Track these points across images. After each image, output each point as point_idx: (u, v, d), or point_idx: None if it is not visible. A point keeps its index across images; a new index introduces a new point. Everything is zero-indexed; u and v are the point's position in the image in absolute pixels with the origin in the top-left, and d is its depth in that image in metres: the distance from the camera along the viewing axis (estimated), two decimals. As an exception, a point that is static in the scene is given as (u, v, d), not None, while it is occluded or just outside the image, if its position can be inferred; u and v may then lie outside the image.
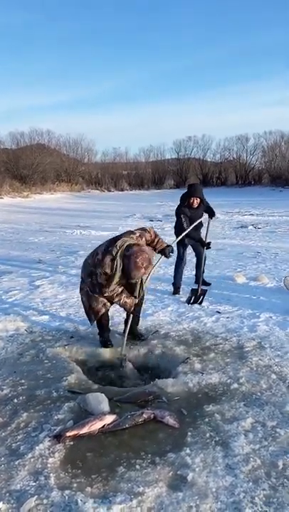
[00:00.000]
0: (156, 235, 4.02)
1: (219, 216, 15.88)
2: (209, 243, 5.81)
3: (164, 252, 4.08)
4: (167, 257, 4.13)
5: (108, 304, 3.90)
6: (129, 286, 3.89)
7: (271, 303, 5.42)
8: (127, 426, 2.67)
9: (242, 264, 7.90)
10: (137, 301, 3.93)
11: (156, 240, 4.00)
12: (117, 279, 3.61)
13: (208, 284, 6.18)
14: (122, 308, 4.00)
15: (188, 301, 5.46)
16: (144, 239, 3.83)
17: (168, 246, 4.12)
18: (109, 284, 3.66)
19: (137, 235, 3.79)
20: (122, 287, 3.78)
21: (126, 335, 3.90)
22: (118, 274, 3.59)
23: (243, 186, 38.78)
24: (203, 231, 6.03)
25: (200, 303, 5.41)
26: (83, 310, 4.12)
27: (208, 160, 44.04)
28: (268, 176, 38.52)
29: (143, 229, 3.99)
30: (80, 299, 4.19)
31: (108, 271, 3.59)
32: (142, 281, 3.92)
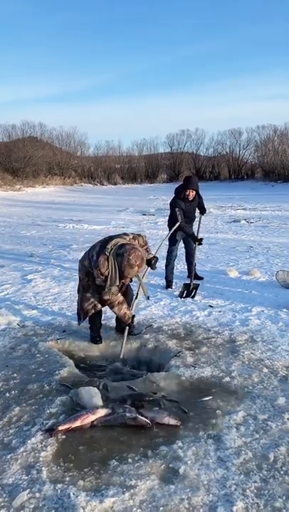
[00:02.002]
0: (146, 243, 4.03)
1: (212, 210, 15.92)
2: (201, 239, 5.82)
3: (150, 262, 4.07)
4: (152, 268, 4.15)
5: (99, 305, 3.92)
6: (125, 295, 3.99)
7: (263, 297, 5.45)
8: (117, 423, 2.65)
9: (234, 258, 7.93)
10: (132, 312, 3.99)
11: (145, 248, 4.00)
12: (113, 278, 3.60)
13: (201, 278, 6.19)
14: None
15: (180, 295, 5.46)
16: (136, 241, 3.83)
17: (154, 257, 4.13)
18: (108, 285, 3.65)
19: (130, 236, 3.80)
20: (123, 297, 3.86)
21: (125, 338, 3.87)
22: (114, 274, 3.58)
23: (235, 181, 38.84)
24: (195, 225, 6.03)
25: (192, 297, 5.42)
26: (76, 303, 4.13)
27: (202, 154, 44.05)
28: (260, 170, 38.59)
29: (137, 234, 4.00)
30: (73, 293, 4.21)
31: (104, 270, 3.58)
32: (141, 282, 3.99)
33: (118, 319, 4.17)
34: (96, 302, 3.88)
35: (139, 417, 2.62)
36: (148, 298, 4.10)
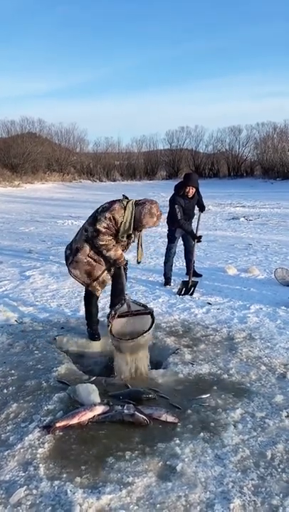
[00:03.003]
0: None
1: (211, 208, 15.91)
2: (200, 237, 5.81)
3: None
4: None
5: (112, 269, 3.83)
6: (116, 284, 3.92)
7: (262, 294, 5.45)
8: (115, 420, 2.65)
9: (233, 255, 7.93)
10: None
11: None
12: (127, 225, 3.55)
13: (200, 276, 6.18)
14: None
15: (179, 293, 5.46)
16: None
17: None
18: (121, 232, 3.58)
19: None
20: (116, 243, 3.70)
21: (125, 278, 3.81)
22: (129, 221, 3.54)
23: (235, 178, 38.77)
24: (194, 222, 6.03)
25: (191, 294, 5.42)
26: (75, 300, 4.10)
27: (201, 151, 43.94)
28: (260, 167, 38.53)
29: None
30: (71, 289, 4.16)
31: (118, 216, 3.52)
32: (141, 242, 3.91)
33: (113, 292, 4.12)
34: (108, 267, 3.79)
35: (137, 413, 2.62)
36: (139, 262, 4.01)
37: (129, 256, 5.71)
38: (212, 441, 2.49)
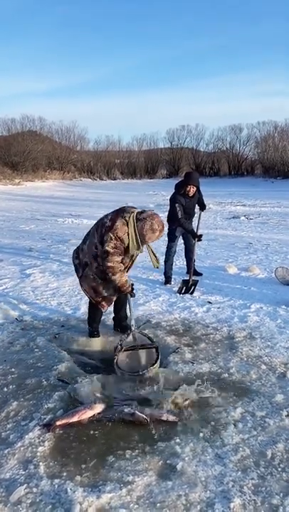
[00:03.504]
0: None
1: (211, 206, 15.90)
2: (201, 235, 5.80)
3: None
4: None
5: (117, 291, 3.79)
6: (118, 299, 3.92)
7: (262, 294, 5.45)
8: (115, 419, 2.64)
9: (233, 254, 7.92)
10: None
11: None
12: (134, 242, 3.50)
13: (200, 274, 6.18)
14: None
15: (179, 292, 5.46)
16: None
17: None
18: (118, 251, 3.52)
19: (140, 210, 3.69)
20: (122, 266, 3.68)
21: (131, 304, 3.77)
22: (134, 237, 3.49)
23: (235, 177, 38.80)
24: (194, 221, 6.02)
25: (191, 293, 5.41)
26: (75, 299, 4.10)
27: (201, 150, 43.99)
28: (260, 166, 38.54)
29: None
30: (71, 288, 4.15)
31: (121, 234, 3.47)
32: (152, 249, 3.89)
33: (117, 317, 4.16)
34: (113, 288, 3.75)
35: (137, 413, 2.61)
36: (157, 267, 3.99)
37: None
38: (212, 441, 2.48)
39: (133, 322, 3.71)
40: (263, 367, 3.43)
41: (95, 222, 3.86)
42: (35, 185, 30.54)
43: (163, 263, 5.99)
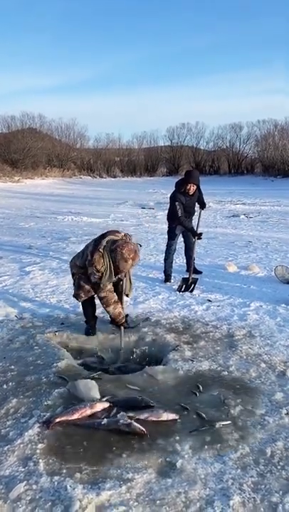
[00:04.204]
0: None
1: (211, 205, 15.89)
2: (200, 234, 5.80)
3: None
4: None
5: (92, 292, 3.91)
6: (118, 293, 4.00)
7: (262, 292, 5.45)
8: (110, 428, 2.55)
9: (233, 253, 7.92)
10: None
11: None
12: (108, 273, 3.64)
13: (200, 273, 6.18)
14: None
15: (179, 290, 5.45)
16: (128, 238, 3.85)
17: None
18: (105, 280, 3.70)
19: (122, 234, 3.83)
20: (117, 297, 3.89)
21: (122, 333, 3.88)
22: (108, 269, 3.64)
23: (235, 175, 38.76)
24: (194, 219, 6.01)
25: (191, 291, 5.41)
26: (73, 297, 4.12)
27: (202, 148, 43.86)
28: (260, 165, 38.48)
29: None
30: (71, 285, 4.17)
31: (99, 267, 3.63)
32: (130, 276, 4.01)
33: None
34: (90, 288, 3.89)
35: (134, 423, 2.52)
36: (126, 295, 4.12)
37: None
38: (212, 438, 2.48)
39: (122, 348, 3.82)
40: (263, 365, 3.43)
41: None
42: (34, 182, 30.49)
43: (163, 261, 6.00)
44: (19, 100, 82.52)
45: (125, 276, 3.98)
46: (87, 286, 3.88)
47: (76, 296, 4.00)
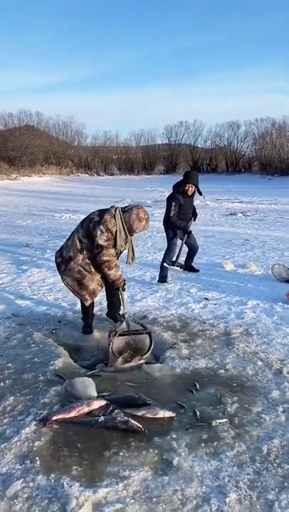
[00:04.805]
0: None
1: (209, 203, 15.91)
2: (190, 232, 5.81)
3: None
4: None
5: (102, 281, 3.88)
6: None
7: (259, 290, 5.46)
8: (108, 426, 2.55)
9: (230, 251, 7.93)
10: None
11: None
12: (122, 234, 3.62)
13: (197, 271, 6.19)
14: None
15: (172, 264, 5.65)
16: None
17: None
18: (118, 241, 3.65)
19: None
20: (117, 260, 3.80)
21: (124, 295, 3.83)
22: (123, 229, 3.62)
23: (233, 173, 38.80)
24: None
25: (181, 267, 5.58)
26: (72, 294, 4.10)
27: (199, 146, 43.90)
28: (258, 163, 38.55)
29: None
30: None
31: (111, 226, 3.59)
32: (132, 245, 3.94)
33: (110, 304, 4.19)
34: (99, 278, 3.84)
35: (131, 421, 2.53)
36: (129, 263, 4.07)
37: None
38: (208, 436, 2.49)
39: (126, 310, 3.79)
40: (259, 363, 3.44)
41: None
42: (32, 180, 30.44)
43: (161, 262, 5.94)
44: (18, 98, 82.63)
45: (129, 244, 3.90)
46: (91, 286, 3.83)
47: (81, 298, 3.91)
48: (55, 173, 35.60)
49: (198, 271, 6.20)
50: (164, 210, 5.86)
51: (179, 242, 5.88)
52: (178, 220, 5.65)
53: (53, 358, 3.42)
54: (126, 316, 3.74)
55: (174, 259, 5.74)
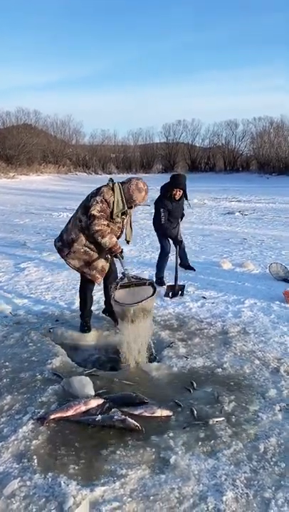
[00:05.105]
0: None
1: (206, 202, 15.91)
2: (181, 241, 5.79)
3: None
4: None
5: (105, 269, 3.87)
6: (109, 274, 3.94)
7: (256, 289, 5.47)
8: (105, 425, 2.56)
9: (228, 250, 7.94)
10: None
11: None
12: (120, 204, 3.61)
13: (193, 270, 6.19)
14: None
15: (166, 295, 5.18)
16: None
17: None
18: (115, 211, 3.63)
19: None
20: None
21: (121, 260, 3.75)
22: (121, 200, 3.61)
23: (230, 172, 38.77)
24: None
25: (181, 295, 5.21)
26: (69, 293, 4.10)
27: (197, 145, 43.87)
28: (255, 162, 38.50)
29: None
30: (66, 282, 4.13)
31: (108, 197, 3.59)
32: (130, 222, 3.92)
33: (107, 301, 4.16)
34: (106, 255, 3.82)
35: (128, 419, 2.54)
36: (128, 242, 4.01)
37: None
38: (205, 434, 2.50)
39: (126, 267, 3.73)
40: (257, 362, 3.44)
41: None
42: (29, 178, 30.39)
43: (156, 263, 5.88)
44: (16, 96, 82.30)
45: (129, 216, 3.88)
46: (100, 264, 3.80)
47: (92, 278, 3.85)
48: (53, 172, 35.54)
49: (194, 270, 6.21)
50: (154, 213, 5.78)
51: (170, 241, 5.79)
52: (169, 228, 5.59)
53: (50, 357, 3.43)
54: (126, 273, 3.66)
55: (172, 283, 5.46)
